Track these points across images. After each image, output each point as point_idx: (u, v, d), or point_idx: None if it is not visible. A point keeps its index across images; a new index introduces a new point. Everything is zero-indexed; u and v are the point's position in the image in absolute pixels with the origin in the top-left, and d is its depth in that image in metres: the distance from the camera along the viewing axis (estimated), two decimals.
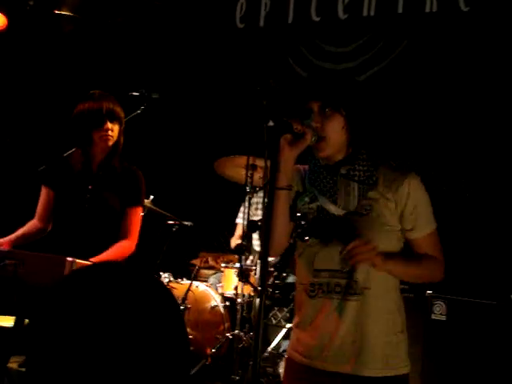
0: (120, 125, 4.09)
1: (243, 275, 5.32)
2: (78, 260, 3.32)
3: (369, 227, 2.56)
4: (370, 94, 2.63)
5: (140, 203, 4.13)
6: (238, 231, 6.71)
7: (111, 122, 4.04)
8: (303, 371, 2.66)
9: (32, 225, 4.17)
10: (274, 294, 5.80)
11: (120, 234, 4.01)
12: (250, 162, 5.62)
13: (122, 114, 4.10)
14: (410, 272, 2.66)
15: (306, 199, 2.68)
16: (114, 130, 4.05)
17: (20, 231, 4.12)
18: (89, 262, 3.42)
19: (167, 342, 1.34)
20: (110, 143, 4.06)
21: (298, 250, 2.72)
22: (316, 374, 2.62)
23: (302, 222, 2.62)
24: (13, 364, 5.00)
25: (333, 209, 2.61)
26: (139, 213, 4.12)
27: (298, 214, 2.63)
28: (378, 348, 2.58)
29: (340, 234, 2.59)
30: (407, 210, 2.59)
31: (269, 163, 2.44)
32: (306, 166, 2.77)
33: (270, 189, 2.45)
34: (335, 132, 2.57)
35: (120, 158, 4.12)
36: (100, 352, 1.23)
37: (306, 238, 2.61)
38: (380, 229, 2.57)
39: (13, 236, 4.04)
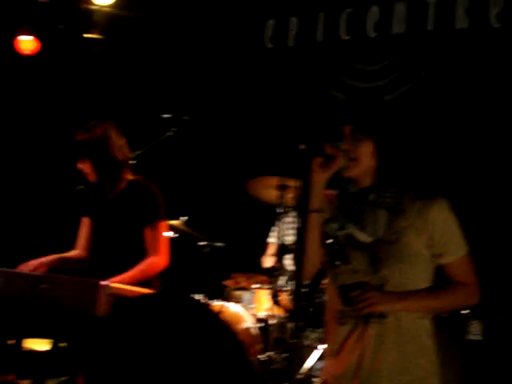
0: (92, 159, 4.02)
1: (276, 301, 5.29)
2: (112, 284, 3.33)
3: (396, 256, 2.56)
4: (400, 119, 2.64)
5: (157, 218, 4.07)
6: (270, 250, 6.68)
7: (80, 160, 4.05)
8: None
9: (74, 253, 4.20)
10: (307, 315, 5.77)
11: (148, 252, 4.01)
12: (282, 182, 5.60)
13: (94, 143, 4.03)
14: (435, 305, 2.65)
15: (335, 225, 2.67)
16: (84, 168, 4.05)
17: (61, 255, 4.15)
18: (124, 286, 3.43)
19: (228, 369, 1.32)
20: (91, 179, 4.06)
21: (329, 277, 2.72)
22: None
23: (334, 247, 2.62)
24: None
25: (361, 236, 2.61)
26: (161, 227, 4.07)
27: (330, 240, 2.63)
28: (407, 373, 2.56)
29: (367, 262, 2.60)
30: (436, 236, 2.58)
31: (300, 185, 2.46)
32: (335, 192, 2.77)
33: (303, 212, 2.46)
34: (365, 156, 2.59)
35: (118, 179, 4.08)
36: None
37: (337, 262, 2.62)
38: (407, 257, 2.57)
39: (55, 257, 4.07)
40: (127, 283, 3.70)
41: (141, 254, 3.99)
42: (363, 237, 2.60)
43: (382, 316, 2.55)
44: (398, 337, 2.56)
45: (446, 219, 2.59)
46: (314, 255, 2.60)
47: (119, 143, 4.11)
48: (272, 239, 6.62)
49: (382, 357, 2.55)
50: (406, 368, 2.56)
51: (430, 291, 2.62)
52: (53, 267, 3.97)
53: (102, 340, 1.28)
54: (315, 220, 2.56)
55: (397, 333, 2.56)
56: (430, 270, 2.64)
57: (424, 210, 2.57)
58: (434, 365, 2.63)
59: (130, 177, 4.11)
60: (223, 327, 1.36)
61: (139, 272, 3.89)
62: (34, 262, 3.90)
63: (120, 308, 1.31)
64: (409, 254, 2.56)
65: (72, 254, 4.21)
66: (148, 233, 4.01)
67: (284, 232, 5.83)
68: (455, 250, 2.61)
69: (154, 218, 4.04)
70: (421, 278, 2.61)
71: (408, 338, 2.57)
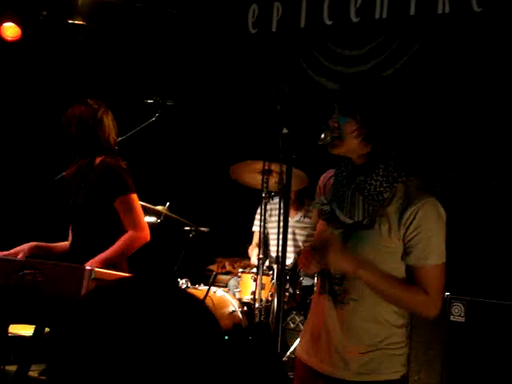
0: (77, 133, 4.07)
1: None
2: (96, 268, 3.34)
3: (368, 242, 2.55)
4: (389, 104, 2.60)
5: (124, 191, 3.96)
6: (255, 239, 6.69)
7: (65, 131, 4.11)
8: (300, 366, 2.75)
9: (60, 245, 4.19)
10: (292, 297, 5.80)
11: (125, 228, 3.96)
12: (266, 167, 5.60)
13: (70, 119, 4.11)
14: (385, 290, 2.53)
15: (323, 199, 2.71)
16: (66, 138, 4.11)
17: (46, 244, 4.13)
18: (108, 271, 3.44)
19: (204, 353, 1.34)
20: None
21: None
22: (307, 370, 2.69)
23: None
24: (33, 372, 5.03)
25: (341, 216, 2.63)
26: (132, 200, 3.96)
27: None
28: (362, 356, 2.57)
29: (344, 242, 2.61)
30: (409, 233, 2.51)
31: (284, 169, 2.46)
32: (332, 171, 2.81)
33: (286, 196, 2.48)
34: (347, 134, 2.57)
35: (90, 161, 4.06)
36: (127, 365, 1.24)
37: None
38: (378, 247, 2.54)
39: (34, 245, 4.04)
40: (110, 259, 3.74)
41: (116, 232, 3.97)
42: (343, 217, 2.61)
43: (342, 301, 2.59)
44: (356, 319, 2.58)
45: (427, 222, 2.50)
46: None
47: (109, 126, 4.10)
48: (257, 227, 6.62)
49: (352, 336, 2.58)
50: (372, 351, 2.57)
51: (391, 276, 2.54)
52: (34, 254, 3.96)
53: (80, 323, 1.29)
54: None
55: (357, 315, 2.58)
56: (402, 266, 2.58)
57: (407, 207, 2.51)
58: (403, 357, 2.63)
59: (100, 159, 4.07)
60: (205, 313, 1.37)
61: (120, 248, 3.84)
62: (15, 250, 3.90)
63: (97, 291, 1.32)
64: (379, 244, 2.53)
65: (58, 245, 4.19)
66: (119, 208, 3.94)
67: (267, 218, 5.85)
68: (425, 256, 2.52)
69: (120, 192, 3.95)
70: (390, 271, 2.55)
71: (379, 324, 2.58)
